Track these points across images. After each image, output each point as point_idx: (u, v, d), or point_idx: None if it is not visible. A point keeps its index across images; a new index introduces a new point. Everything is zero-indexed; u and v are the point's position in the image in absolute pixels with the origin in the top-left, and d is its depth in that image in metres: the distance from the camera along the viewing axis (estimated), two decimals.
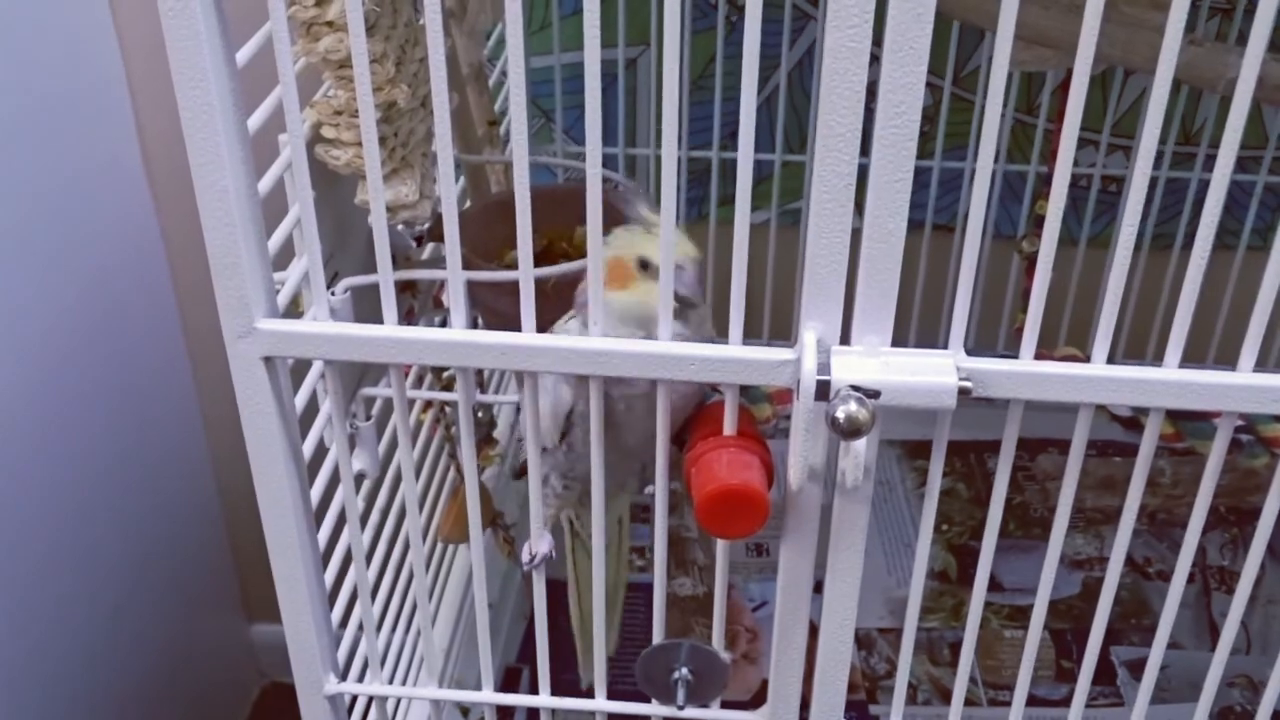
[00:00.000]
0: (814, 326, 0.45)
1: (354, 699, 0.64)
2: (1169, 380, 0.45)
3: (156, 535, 1.20)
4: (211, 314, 0.47)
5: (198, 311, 1.20)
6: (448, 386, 0.76)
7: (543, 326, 0.48)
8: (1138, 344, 1.01)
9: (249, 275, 0.47)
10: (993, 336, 1.03)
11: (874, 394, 0.44)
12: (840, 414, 0.43)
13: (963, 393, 0.45)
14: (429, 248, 0.70)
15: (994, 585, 0.91)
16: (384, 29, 0.53)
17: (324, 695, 0.58)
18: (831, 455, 0.47)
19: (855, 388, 0.44)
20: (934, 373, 0.44)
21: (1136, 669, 0.86)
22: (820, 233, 0.44)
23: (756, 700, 0.58)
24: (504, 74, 0.91)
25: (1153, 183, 0.97)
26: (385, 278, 0.47)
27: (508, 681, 0.84)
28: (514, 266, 0.70)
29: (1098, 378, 0.46)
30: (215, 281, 0.47)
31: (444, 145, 0.44)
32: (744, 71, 0.41)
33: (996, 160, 0.98)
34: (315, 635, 0.56)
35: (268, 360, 0.49)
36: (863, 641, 0.89)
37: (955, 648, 0.88)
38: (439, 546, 0.85)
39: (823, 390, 0.44)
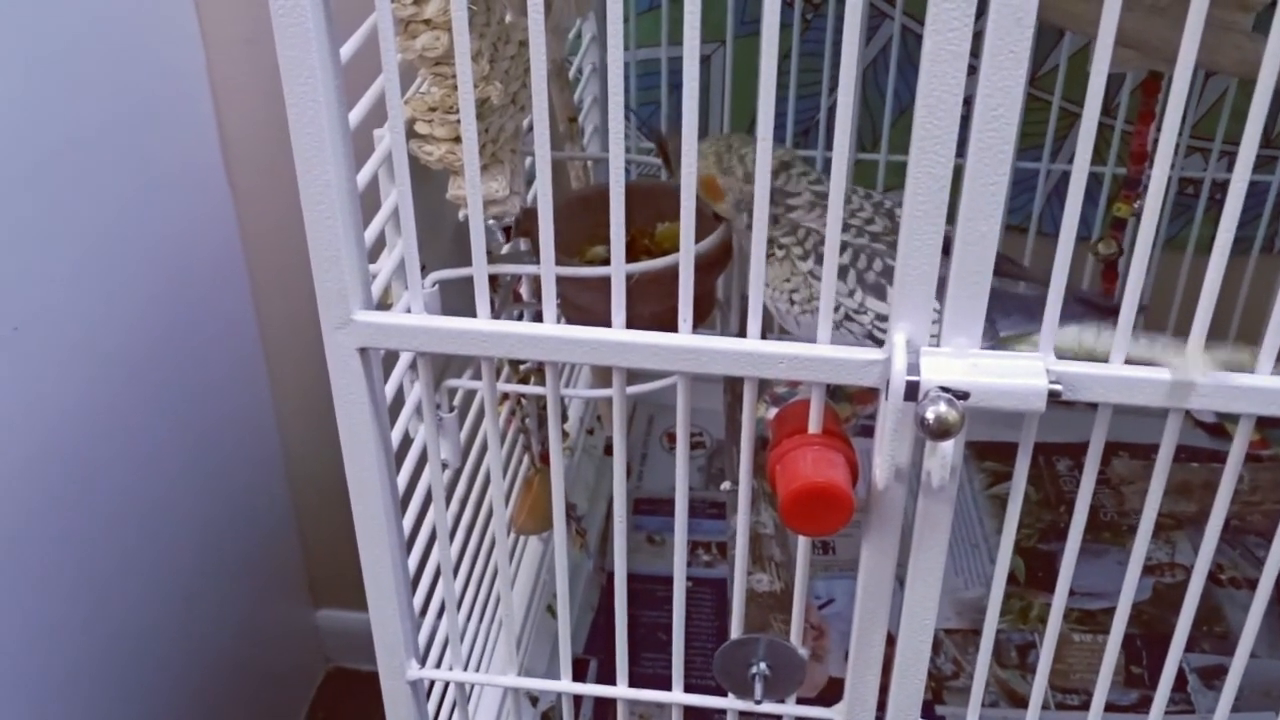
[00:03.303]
0: (903, 327, 0.46)
1: (431, 685, 0.65)
2: (1263, 387, 0.45)
3: (228, 524, 1.22)
4: (285, 308, 0.48)
5: (272, 306, 1.21)
6: (524, 380, 0.77)
7: (627, 322, 0.48)
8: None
9: (347, 268, 0.48)
10: None
11: (963, 395, 0.44)
12: (930, 415, 0.43)
13: (1052, 395, 0.45)
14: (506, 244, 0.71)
15: None
16: (478, 26, 0.53)
17: (406, 680, 0.59)
18: (914, 456, 0.48)
19: (944, 389, 0.44)
20: (1024, 375, 0.44)
21: (1207, 676, 0.85)
22: (912, 234, 0.44)
23: (822, 698, 0.59)
24: (579, 70, 0.92)
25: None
26: (480, 272, 0.48)
27: (575, 672, 0.84)
28: (595, 262, 0.71)
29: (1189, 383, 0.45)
30: (315, 274, 0.48)
31: (542, 143, 0.45)
32: (841, 74, 0.41)
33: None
34: (399, 621, 0.57)
35: (362, 351, 0.50)
36: None
37: (1022, 650, 0.88)
38: (510, 538, 0.86)
39: (911, 391, 0.44)
